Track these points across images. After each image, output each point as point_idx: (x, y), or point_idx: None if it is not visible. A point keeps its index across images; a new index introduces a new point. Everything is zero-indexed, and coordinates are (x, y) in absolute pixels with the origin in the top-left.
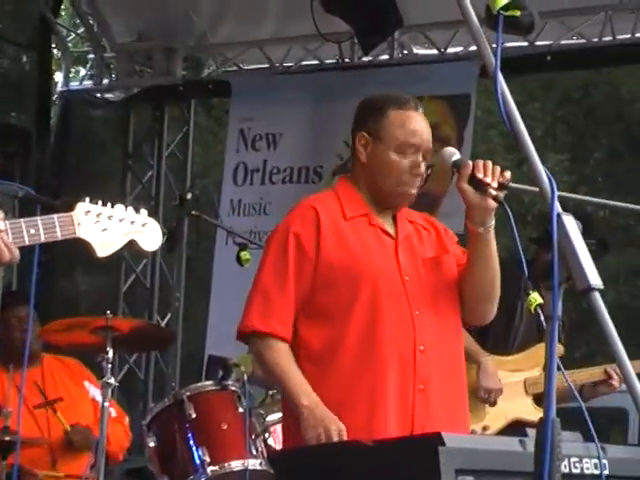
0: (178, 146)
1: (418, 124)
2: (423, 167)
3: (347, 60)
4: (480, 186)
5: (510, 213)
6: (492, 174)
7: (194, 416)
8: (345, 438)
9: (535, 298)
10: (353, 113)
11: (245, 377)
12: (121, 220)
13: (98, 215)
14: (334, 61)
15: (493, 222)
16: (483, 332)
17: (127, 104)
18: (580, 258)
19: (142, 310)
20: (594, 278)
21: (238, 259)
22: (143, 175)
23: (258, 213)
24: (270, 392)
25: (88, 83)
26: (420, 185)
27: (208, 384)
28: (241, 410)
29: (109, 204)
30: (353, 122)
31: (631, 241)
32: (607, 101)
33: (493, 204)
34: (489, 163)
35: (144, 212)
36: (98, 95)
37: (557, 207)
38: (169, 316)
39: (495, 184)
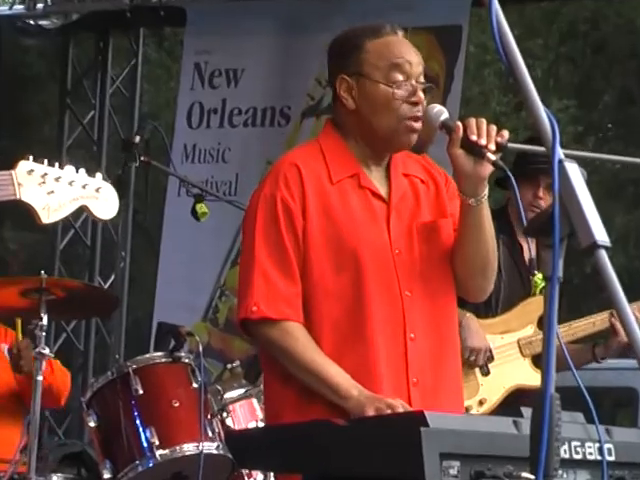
0: (124, 82)
1: (400, 46)
2: (421, 94)
3: None
4: (475, 149)
5: (512, 178)
6: (487, 135)
7: (141, 392)
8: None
9: (540, 279)
10: (326, 47)
11: (200, 348)
12: (70, 183)
13: (43, 176)
14: None
15: (487, 191)
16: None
17: (65, 32)
18: (585, 211)
19: (82, 271)
20: (600, 234)
21: (194, 212)
22: (84, 115)
23: (216, 160)
24: (229, 366)
25: (19, 8)
26: (422, 117)
27: (157, 356)
28: (195, 386)
29: (57, 164)
30: (328, 68)
31: None
32: (619, 35)
33: (488, 170)
34: (483, 122)
35: (99, 176)
36: (31, 22)
37: (559, 152)
38: (113, 278)
39: (493, 146)
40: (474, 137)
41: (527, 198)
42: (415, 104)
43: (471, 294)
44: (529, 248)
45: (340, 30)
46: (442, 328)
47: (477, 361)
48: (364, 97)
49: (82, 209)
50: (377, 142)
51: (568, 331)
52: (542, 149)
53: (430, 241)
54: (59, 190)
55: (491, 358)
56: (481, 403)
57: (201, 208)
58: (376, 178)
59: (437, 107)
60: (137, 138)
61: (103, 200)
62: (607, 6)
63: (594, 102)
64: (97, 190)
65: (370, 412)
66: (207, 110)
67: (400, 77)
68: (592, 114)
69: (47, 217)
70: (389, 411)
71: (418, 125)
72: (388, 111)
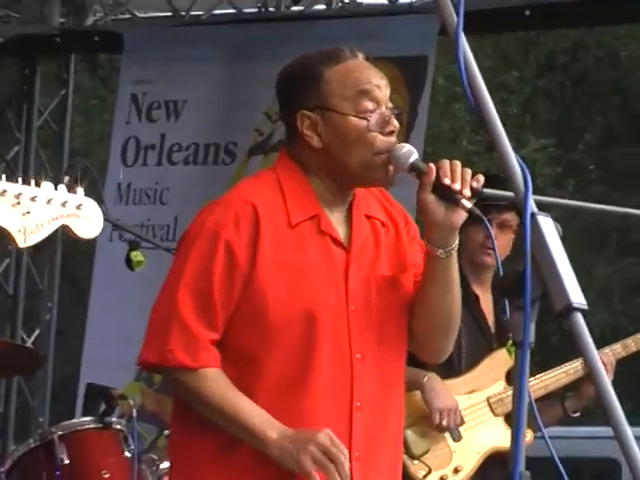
0: (53, 114)
1: (365, 70)
2: (395, 122)
3: (271, 9)
4: (448, 195)
5: (490, 228)
6: (462, 179)
7: (67, 462)
8: (335, 439)
9: (511, 349)
10: (276, 74)
11: (134, 412)
12: (48, 201)
13: (17, 196)
14: (255, 10)
15: (457, 242)
16: (417, 362)
17: None
18: (559, 270)
19: (2, 324)
20: (576, 295)
21: (128, 261)
22: (7, 150)
23: (153, 201)
24: (165, 432)
25: None
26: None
27: (86, 421)
28: (128, 454)
29: (33, 182)
30: (280, 103)
31: (628, 248)
32: (601, 68)
33: (461, 218)
34: (457, 164)
35: (80, 191)
36: None
37: (531, 205)
38: (37, 331)
39: (468, 192)
40: (447, 181)
41: (478, 240)
42: (391, 133)
43: (431, 354)
44: (485, 298)
45: (293, 58)
46: (390, 395)
47: (449, 423)
48: (333, 133)
49: (63, 228)
50: (348, 180)
51: (539, 384)
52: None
53: (388, 297)
54: (36, 210)
55: (457, 410)
56: (457, 471)
57: (136, 256)
58: (337, 220)
59: (406, 147)
60: (66, 178)
61: (84, 218)
62: (588, 36)
63: (574, 141)
64: (78, 207)
65: (306, 463)
66: (144, 146)
67: (370, 105)
68: (572, 154)
69: (24, 241)
70: (323, 458)
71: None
72: (362, 145)
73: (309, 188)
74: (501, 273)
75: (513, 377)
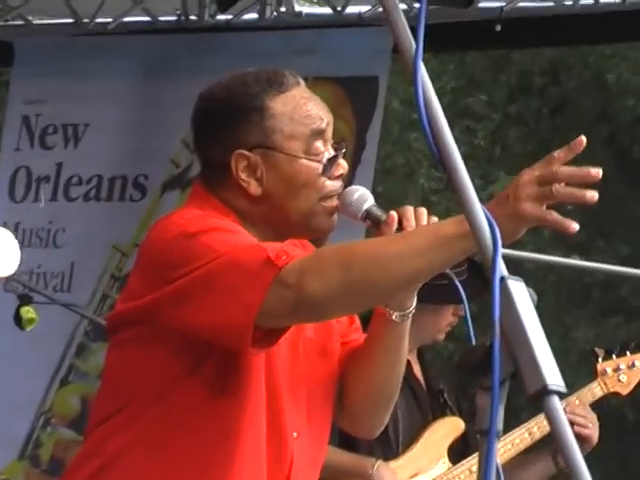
0: None
1: (312, 102)
2: (344, 162)
3: (193, 18)
4: None
5: (461, 288)
6: None
7: None
8: None
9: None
10: (197, 95)
11: None
12: None
13: None
14: (173, 18)
15: (414, 305)
16: (349, 439)
17: None
18: (532, 345)
19: None
20: (552, 375)
21: (17, 319)
22: None
23: (45, 244)
24: None
25: None
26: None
27: None
28: None
29: None
30: (201, 133)
31: (613, 306)
32: (585, 93)
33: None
34: (423, 212)
35: None
36: None
37: (500, 268)
38: None
39: None
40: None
41: (442, 321)
42: (338, 178)
43: (367, 429)
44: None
45: (221, 75)
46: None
47: None
48: (277, 177)
49: None
50: (289, 230)
51: (505, 447)
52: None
53: (316, 364)
54: None
55: None
56: None
57: (27, 312)
58: None
59: (359, 190)
60: None
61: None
62: (570, 55)
63: None
64: None
65: None
66: (36, 178)
67: (322, 146)
68: None
69: None
70: None
71: (337, 207)
72: (310, 191)
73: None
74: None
75: (478, 473)
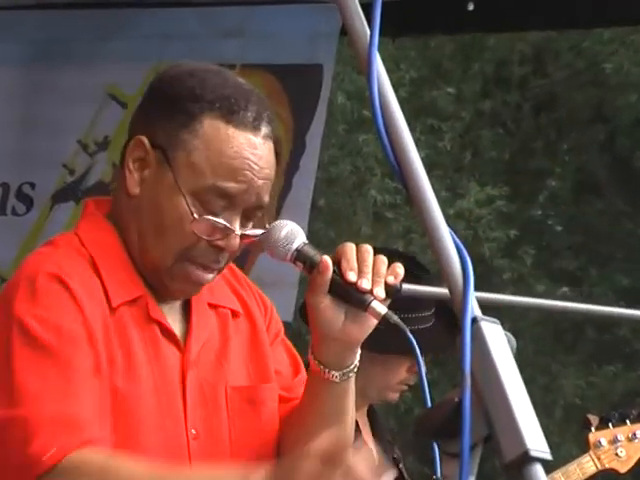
0: None
1: (248, 161)
2: (236, 239)
3: None
4: (353, 297)
5: (414, 342)
6: (374, 272)
7: None
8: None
9: None
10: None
11: None
12: None
13: None
14: None
15: (357, 360)
16: None
17: None
18: (510, 402)
19: None
20: (534, 439)
21: None
22: None
23: None
24: None
25: None
26: (224, 267)
27: None
28: None
29: None
30: (136, 111)
31: (608, 351)
32: (576, 86)
33: (367, 329)
34: (367, 252)
35: None
36: None
37: (472, 306)
38: None
39: (381, 291)
40: (352, 277)
41: (397, 375)
42: (219, 249)
43: None
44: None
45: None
46: None
47: None
48: (153, 197)
49: None
50: (143, 261)
51: None
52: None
53: (247, 417)
54: None
55: None
56: None
57: None
58: (168, 310)
59: (287, 225)
60: None
61: None
62: (558, 40)
63: (534, 191)
64: None
65: None
66: None
67: (219, 204)
68: (531, 210)
69: None
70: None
71: (208, 279)
72: (173, 239)
73: (125, 257)
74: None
75: None
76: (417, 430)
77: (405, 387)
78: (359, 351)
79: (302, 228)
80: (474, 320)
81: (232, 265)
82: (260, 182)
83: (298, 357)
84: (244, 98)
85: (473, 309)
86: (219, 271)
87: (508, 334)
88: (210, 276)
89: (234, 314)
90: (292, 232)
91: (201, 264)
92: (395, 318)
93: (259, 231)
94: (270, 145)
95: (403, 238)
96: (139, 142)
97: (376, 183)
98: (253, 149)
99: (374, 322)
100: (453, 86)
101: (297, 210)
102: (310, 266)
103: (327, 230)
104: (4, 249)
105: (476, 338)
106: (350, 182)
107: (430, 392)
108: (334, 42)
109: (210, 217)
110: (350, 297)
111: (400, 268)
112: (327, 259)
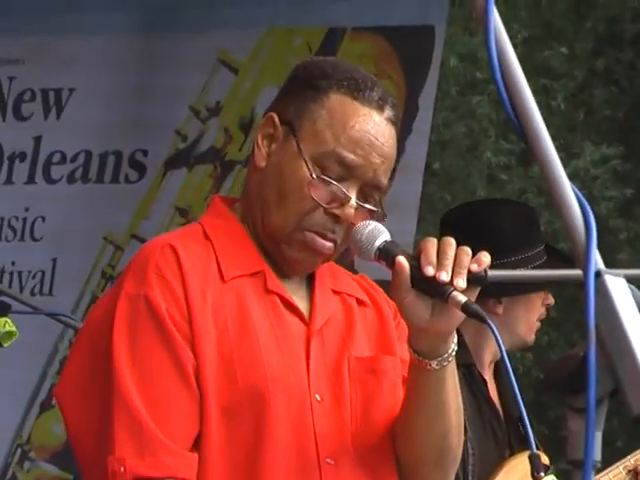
0: None
1: (373, 131)
2: (352, 209)
3: None
4: (433, 289)
5: (497, 332)
6: (456, 264)
7: None
8: None
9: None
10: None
11: None
12: None
13: None
14: None
15: (454, 345)
16: None
17: None
18: (636, 354)
19: None
20: None
21: None
22: None
23: (20, 237)
24: None
25: None
26: (343, 242)
27: None
28: None
29: None
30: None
31: None
32: None
33: (455, 320)
34: (449, 244)
35: None
36: None
37: (596, 260)
38: None
39: (462, 282)
40: (431, 271)
41: (529, 320)
42: (335, 218)
43: None
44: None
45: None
46: None
47: None
48: (278, 160)
49: None
50: (265, 241)
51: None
52: (555, 274)
53: (368, 387)
54: None
55: None
56: None
57: (6, 325)
58: (291, 285)
59: (370, 225)
60: None
61: None
62: None
63: None
64: None
65: None
66: (9, 155)
67: (337, 173)
68: None
69: None
70: None
71: (325, 248)
72: (293, 204)
73: (247, 239)
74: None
75: None
76: (543, 385)
77: (539, 324)
78: (455, 338)
79: (416, 192)
80: (597, 274)
81: (364, 276)
82: (378, 159)
83: None
84: (371, 81)
85: (597, 262)
86: (336, 245)
87: (633, 287)
88: (328, 245)
89: (360, 302)
90: (373, 231)
91: (317, 232)
92: (474, 307)
93: (373, 208)
94: (392, 129)
95: (519, 199)
96: (269, 119)
97: (490, 145)
98: (375, 125)
99: (459, 314)
100: (565, 45)
101: (411, 173)
102: (392, 264)
103: (442, 193)
104: (119, 217)
105: (600, 292)
106: (464, 144)
107: (548, 354)
108: (445, 3)
109: (327, 178)
110: (431, 290)
111: (486, 256)
112: (402, 259)
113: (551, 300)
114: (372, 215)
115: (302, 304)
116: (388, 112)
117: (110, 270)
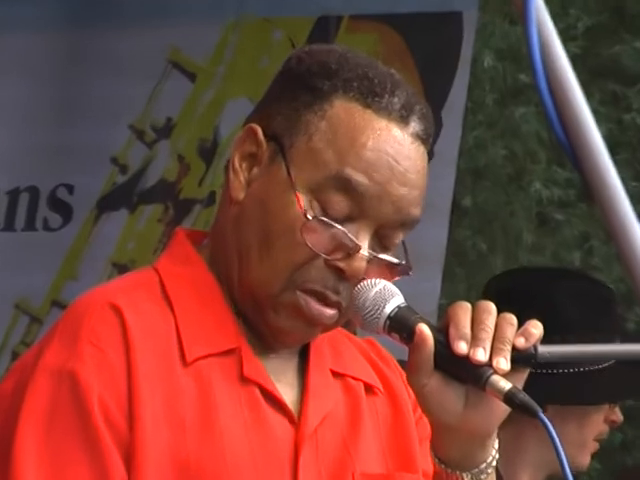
0: None
1: (393, 151)
2: (362, 262)
3: None
4: (468, 372)
5: (552, 429)
6: (496, 338)
7: None
8: None
9: None
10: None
11: None
12: None
13: None
14: None
15: (495, 452)
16: None
17: None
18: None
19: None
20: None
21: None
22: None
23: None
24: None
25: None
26: (346, 306)
27: None
28: None
29: None
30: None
31: None
32: None
33: (498, 415)
34: (485, 310)
35: None
36: None
37: None
38: None
39: (505, 363)
40: (462, 347)
41: (584, 438)
42: (340, 273)
43: None
44: None
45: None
46: None
47: None
48: (260, 193)
49: None
50: (244, 297)
51: None
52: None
53: None
54: None
55: None
56: None
57: None
58: (275, 368)
59: (378, 284)
60: None
61: None
62: None
63: None
64: None
65: None
66: None
67: (343, 208)
68: None
69: None
70: None
71: (325, 316)
72: (283, 252)
73: (221, 303)
74: None
75: None
76: None
77: (597, 445)
78: (496, 443)
79: (440, 238)
80: None
81: (372, 339)
82: (402, 190)
83: None
84: (392, 82)
85: None
86: (340, 310)
87: None
88: (329, 312)
89: (369, 389)
90: (382, 293)
91: (315, 292)
92: (522, 396)
93: (393, 260)
94: (421, 148)
95: (580, 247)
96: (250, 132)
97: (540, 173)
98: (396, 143)
99: (502, 408)
100: (628, 35)
101: (433, 213)
102: (408, 338)
103: (475, 239)
104: (34, 278)
105: None
106: (504, 173)
107: (623, 458)
108: None
109: (327, 219)
110: (463, 373)
111: (536, 327)
112: (424, 329)
113: (618, 416)
114: (392, 270)
115: (290, 393)
116: (415, 126)
117: (24, 349)
